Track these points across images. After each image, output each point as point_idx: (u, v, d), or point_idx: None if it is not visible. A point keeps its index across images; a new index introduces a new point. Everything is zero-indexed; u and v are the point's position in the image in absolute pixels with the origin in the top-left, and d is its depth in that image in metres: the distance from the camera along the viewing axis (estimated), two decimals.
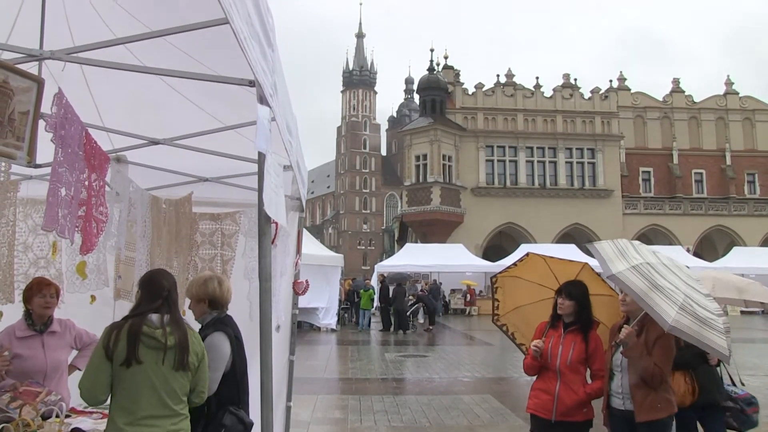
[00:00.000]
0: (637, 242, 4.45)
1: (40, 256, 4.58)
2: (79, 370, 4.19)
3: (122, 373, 2.96)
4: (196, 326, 3.61)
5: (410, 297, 25.43)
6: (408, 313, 24.62)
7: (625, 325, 4.17)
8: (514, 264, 5.23)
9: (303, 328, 21.95)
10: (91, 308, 4.64)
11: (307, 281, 5.70)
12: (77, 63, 2.97)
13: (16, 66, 2.55)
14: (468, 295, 33.76)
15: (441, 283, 32.70)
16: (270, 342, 3.01)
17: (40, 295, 4.06)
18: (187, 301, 3.91)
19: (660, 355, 4.09)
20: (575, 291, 4.47)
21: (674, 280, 4.03)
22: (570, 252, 28.25)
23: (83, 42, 2.92)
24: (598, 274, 4.79)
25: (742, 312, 33.44)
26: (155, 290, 3.17)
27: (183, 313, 3.75)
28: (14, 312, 4.06)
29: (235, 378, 3.62)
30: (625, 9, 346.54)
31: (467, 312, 33.26)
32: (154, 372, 3.01)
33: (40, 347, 4.07)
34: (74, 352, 4.40)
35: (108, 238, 3.97)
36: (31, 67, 2.77)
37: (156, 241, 4.73)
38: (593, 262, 4.74)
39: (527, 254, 5.22)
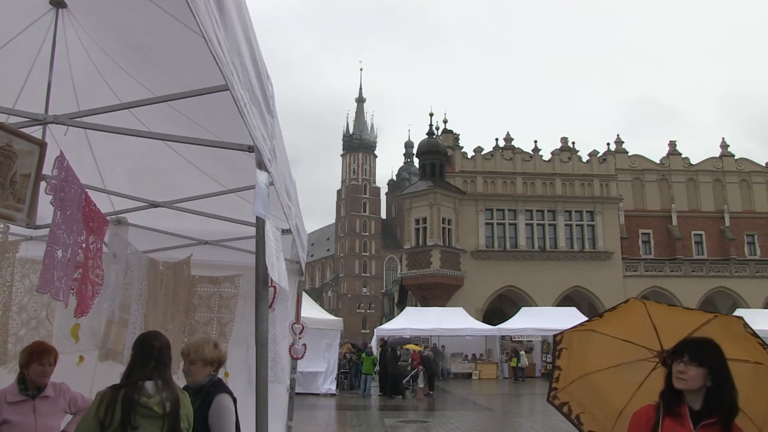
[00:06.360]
0: None
1: (32, 316, 4.51)
2: None
3: None
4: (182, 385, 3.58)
5: (404, 361, 24.91)
6: (408, 378, 24.20)
7: None
8: (599, 315, 3.61)
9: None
10: (78, 369, 4.53)
11: (304, 345, 5.63)
12: (81, 127, 3.01)
13: (20, 130, 2.58)
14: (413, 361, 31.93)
15: (444, 347, 32.37)
16: (266, 408, 2.95)
17: (38, 363, 3.93)
18: (181, 364, 3.85)
19: None
20: (706, 354, 2.74)
21: None
22: (571, 315, 27.96)
23: (88, 106, 2.97)
24: (747, 329, 3.01)
25: None
26: (147, 351, 3.16)
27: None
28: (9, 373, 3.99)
29: None
30: (622, 76, 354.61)
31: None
32: None
33: (30, 413, 3.95)
34: (68, 417, 4.29)
35: (103, 301, 3.94)
36: (35, 131, 2.81)
37: (152, 304, 4.70)
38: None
39: (627, 300, 3.43)
